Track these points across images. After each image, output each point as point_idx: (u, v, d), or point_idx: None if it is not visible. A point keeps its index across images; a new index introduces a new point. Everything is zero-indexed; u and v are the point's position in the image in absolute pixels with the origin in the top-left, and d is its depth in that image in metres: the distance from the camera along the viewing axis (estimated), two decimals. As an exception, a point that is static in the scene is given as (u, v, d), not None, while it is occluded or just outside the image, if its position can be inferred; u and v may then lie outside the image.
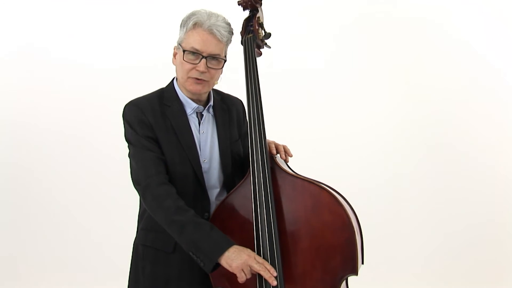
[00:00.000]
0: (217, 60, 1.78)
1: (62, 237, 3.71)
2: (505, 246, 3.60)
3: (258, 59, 1.94)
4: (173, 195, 1.69)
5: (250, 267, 1.57)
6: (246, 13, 2.03)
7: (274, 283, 1.58)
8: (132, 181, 1.78)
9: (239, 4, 2.01)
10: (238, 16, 1.99)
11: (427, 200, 3.63)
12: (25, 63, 3.71)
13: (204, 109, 1.87)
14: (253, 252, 1.62)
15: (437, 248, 3.62)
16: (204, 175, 1.83)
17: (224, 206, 1.78)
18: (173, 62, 1.85)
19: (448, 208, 3.61)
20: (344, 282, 1.68)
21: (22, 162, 3.74)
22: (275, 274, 1.59)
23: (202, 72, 1.75)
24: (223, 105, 1.95)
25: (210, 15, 1.76)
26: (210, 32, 1.73)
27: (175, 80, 1.89)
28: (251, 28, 1.96)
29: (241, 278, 1.58)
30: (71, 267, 3.69)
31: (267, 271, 1.58)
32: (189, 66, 1.76)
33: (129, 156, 1.82)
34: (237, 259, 1.57)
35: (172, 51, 1.85)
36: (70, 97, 3.70)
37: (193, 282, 1.81)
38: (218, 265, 1.61)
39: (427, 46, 3.62)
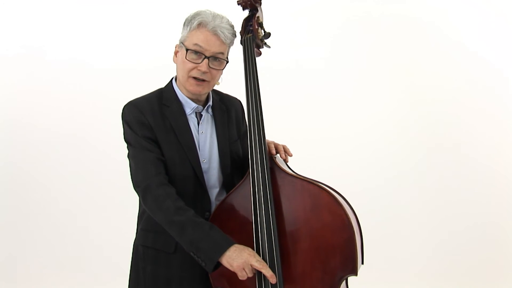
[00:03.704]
0: (219, 61, 1.78)
1: (61, 238, 3.71)
2: (505, 246, 3.60)
3: (257, 58, 1.93)
4: (173, 195, 1.68)
5: (251, 266, 1.58)
6: (246, 12, 2.02)
7: (274, 280, 1.59)
8: (132, 182, 1.77)
9: (238, 4, 2.01)
10: (237, 16, 1.99)
11: (427, 200, 3.63)
12: (24, 63, 3.71)
13: (203, 109, 1.87)
14: (253, 251, 1.63)
15: (437, 248, 3.62)
16: (204, 175, 1.82)
17: (224, 206, 1.78)
18: (174, 61, 1.85)
19: (448, 208, 3.61)
20: (344, 283, 1.68)
21: (21, 162, 3.74)
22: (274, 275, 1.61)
23: (204, 72, 1.75)
24: (222, 105, 1.95)
25: (214, 16, 1.76)
26: (214, 33, 1.73)
27: (174, 80, 1.89)
28: (251, 28, 1.96)
29: (242, 277, 1.59)
30: (71, 269, 3.69)
31: (268, 268, 1.59)
32: (191, 65, 1.75)
33: (128, 157, 1.81)
34: (238, 258, 1.58)
35: (171, 51, 1.85)
36: (69, 98, 3.70)
37: (194, 282, 1.81)
38: (219, 264, 1.61)
39: (427, 47, 3.62)
